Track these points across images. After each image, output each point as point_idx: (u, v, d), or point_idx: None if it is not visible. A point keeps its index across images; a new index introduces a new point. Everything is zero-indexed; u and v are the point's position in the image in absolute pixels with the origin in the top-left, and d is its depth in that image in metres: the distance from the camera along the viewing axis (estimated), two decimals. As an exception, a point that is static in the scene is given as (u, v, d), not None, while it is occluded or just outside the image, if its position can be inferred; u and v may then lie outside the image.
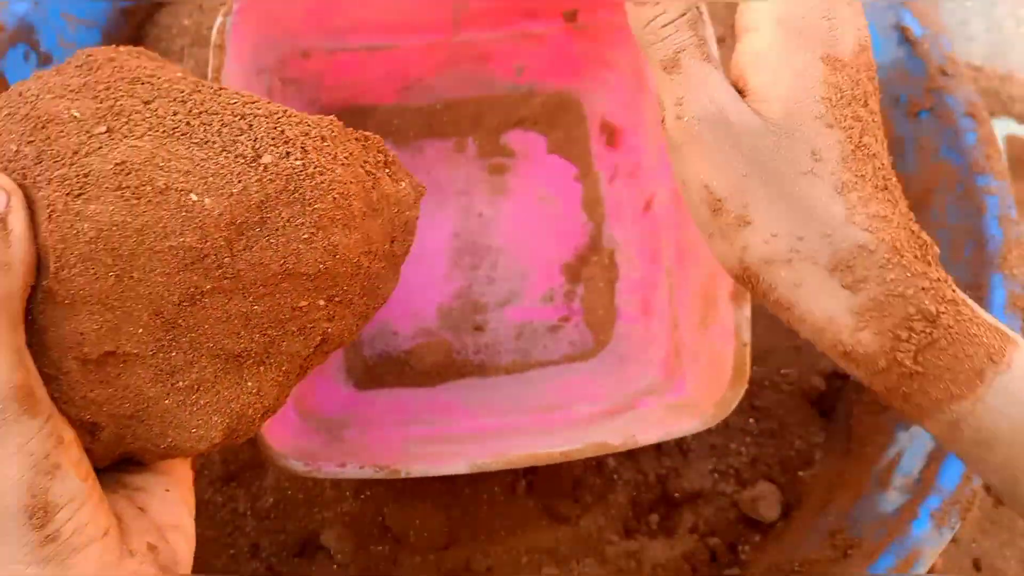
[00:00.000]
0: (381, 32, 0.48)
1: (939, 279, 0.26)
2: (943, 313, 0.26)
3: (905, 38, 0.53)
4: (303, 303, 0.30)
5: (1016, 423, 0.26)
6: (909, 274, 0.26)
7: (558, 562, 0.48)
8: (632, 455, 0.50)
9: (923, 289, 0.26)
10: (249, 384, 0.30)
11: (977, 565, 0.59)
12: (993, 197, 0.48)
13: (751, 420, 0.52)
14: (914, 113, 0.52)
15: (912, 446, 0.46)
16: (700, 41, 0.28)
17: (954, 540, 0.60)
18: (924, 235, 0.27)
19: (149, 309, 0.27)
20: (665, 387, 0.47)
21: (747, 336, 0.41)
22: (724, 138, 0.27)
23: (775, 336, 0.53)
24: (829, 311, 0.26)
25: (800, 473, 0.51)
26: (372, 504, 0.48)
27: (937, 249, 0.27)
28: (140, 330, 0.27)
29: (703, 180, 0.28)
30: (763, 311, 0.53)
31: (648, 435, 0.42)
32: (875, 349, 0.26)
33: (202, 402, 0.29)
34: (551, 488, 0.49)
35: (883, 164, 0.27)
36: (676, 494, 0.50)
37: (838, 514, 0.47)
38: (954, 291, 0.27)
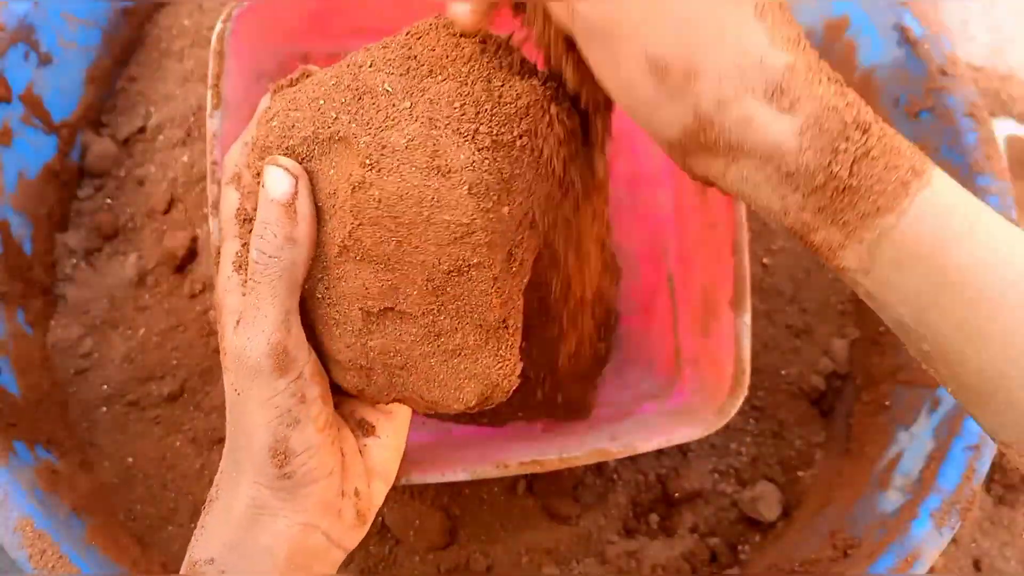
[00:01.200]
0: (380, 36, 0.48)
1: (856, 96, 0.28)
2: (873, 123, 0.27)
3: (905, 38, 0.53)
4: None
5: (935, 239, 0.27)
6: (833, 88, 0.28)
7: (558, 562, 0.48)
8: (632, 455, 0.50)
9: (849, 104, 0.28)
10: (506, 356, 0.33)
11: (977, 565, 0.59)
12: (993, 197, 0.48)
13: (751, 420, 0.52)
14: (914, 113, 0.52)
15: (912, 446, 0.46)
16: None
17: (954, 540, 0.60)
18: (825, 62, 0.29)
19: (423, 274, 0.30)
20: (664, 392, 0.47)
21: (747, 343, 0.41)
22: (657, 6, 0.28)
23: (775, 336, 0.53)
24: (776, 138, 0.27)
25: (800, 473, 0.51)
26: (372, 504, 0.48)
27: (839, 75, 0.29)
28: (414, 292, 0.31)
29: (644, 52, 0.28)
30: (761, 312, 0.53)
31: (648, 442, 0.41)
32: (815, 165, 0.27)
33: (463, 367, 0.32)
34: (551, 488, 0.49)
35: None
36: (676, 494, 0.50)
37: (838, 514, 0.47)
38: (869, 109, 0.28)
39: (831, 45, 0.57)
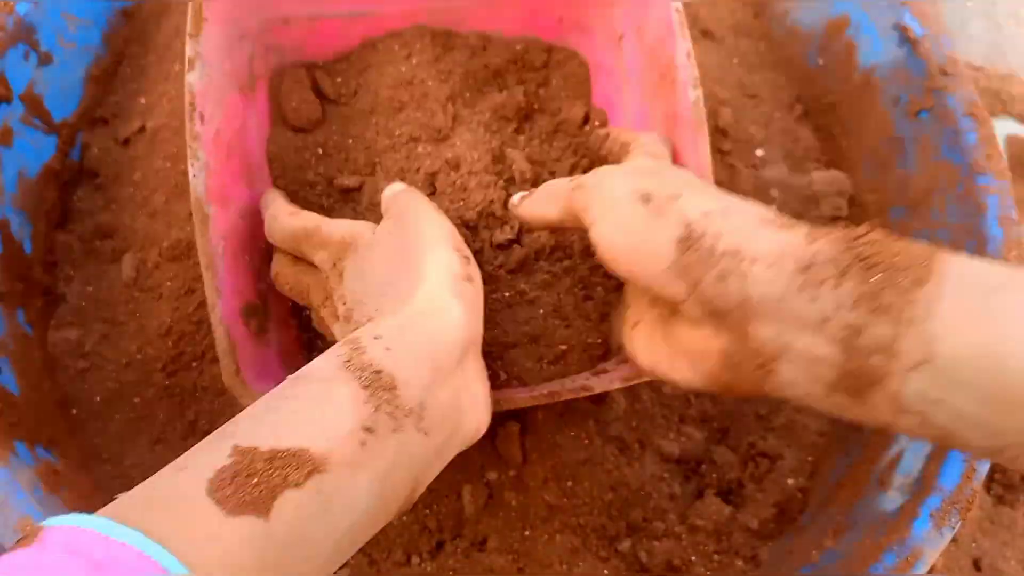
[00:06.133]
0: None
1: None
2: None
3: (905, 38, 0.53)
4: None
5: (980, 295, 0.26)
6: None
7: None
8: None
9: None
10: None
11: (977, 565, 0.59)
12: (993, 197, 0.48)
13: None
14: (914, 113, 0.52)
15: (912, 446, 0.46)
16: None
17: (954, 540, 0.60)
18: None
19: None
20: None
21: None
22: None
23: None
24: (783, 238, 0.30)
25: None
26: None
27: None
28: None
29: (633, 188, 0.34)
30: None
31: (604, 385, 0.42)
32: (832, 250, 0.28)
33: None
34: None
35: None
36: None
37: (838, 514, 0.47)
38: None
39: (831, 44, 0.57)
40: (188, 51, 0.40)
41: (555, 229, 0.45)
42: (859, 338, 0.27)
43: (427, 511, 0.47)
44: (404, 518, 0.47)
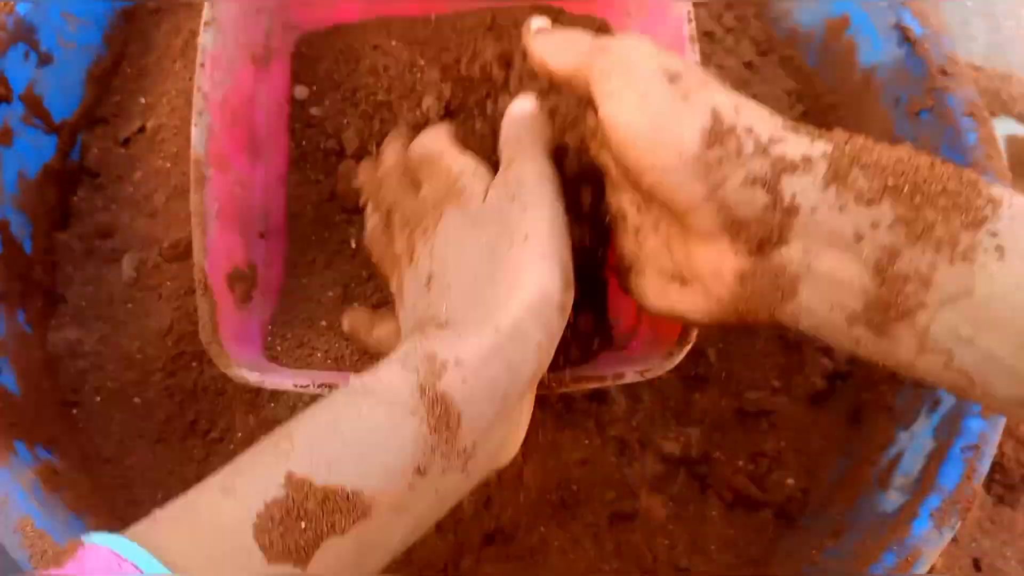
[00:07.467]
0: None
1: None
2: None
3: (905, 38, 0.53)
4: None
5: None
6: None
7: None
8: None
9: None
10: None
11: (977, 565, 0.59)
12: (993, 197, 0.48)
13: (751, 420, 0.52)
14: (914, 113, 0.52)
15: (912, 446, 0.46)
16: None
17: (954, 540, 0.60)
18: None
19: None
20: (622, 344, 0.45)
21: None
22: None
23: (775, 336, 0.53)
24: (808, 147, 0.28)
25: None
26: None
27: None
28: None
29: (659, 66, 0.30)
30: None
31: (591, 381, 0.40)
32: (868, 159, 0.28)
33: None
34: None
35: None
36: (676, 494, 0.50)
37: (838, 514, 0.47)
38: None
39: (831, 45, 0.57)
40: (204, 15, 0.42)
41: (553, 85, 0.37)
42: (895, 263, 0.25)
43: (427, 511, 0.47)
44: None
